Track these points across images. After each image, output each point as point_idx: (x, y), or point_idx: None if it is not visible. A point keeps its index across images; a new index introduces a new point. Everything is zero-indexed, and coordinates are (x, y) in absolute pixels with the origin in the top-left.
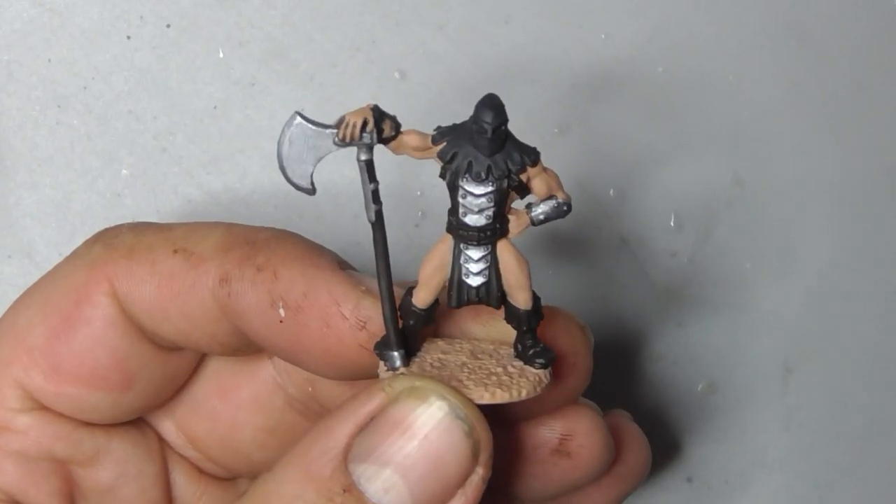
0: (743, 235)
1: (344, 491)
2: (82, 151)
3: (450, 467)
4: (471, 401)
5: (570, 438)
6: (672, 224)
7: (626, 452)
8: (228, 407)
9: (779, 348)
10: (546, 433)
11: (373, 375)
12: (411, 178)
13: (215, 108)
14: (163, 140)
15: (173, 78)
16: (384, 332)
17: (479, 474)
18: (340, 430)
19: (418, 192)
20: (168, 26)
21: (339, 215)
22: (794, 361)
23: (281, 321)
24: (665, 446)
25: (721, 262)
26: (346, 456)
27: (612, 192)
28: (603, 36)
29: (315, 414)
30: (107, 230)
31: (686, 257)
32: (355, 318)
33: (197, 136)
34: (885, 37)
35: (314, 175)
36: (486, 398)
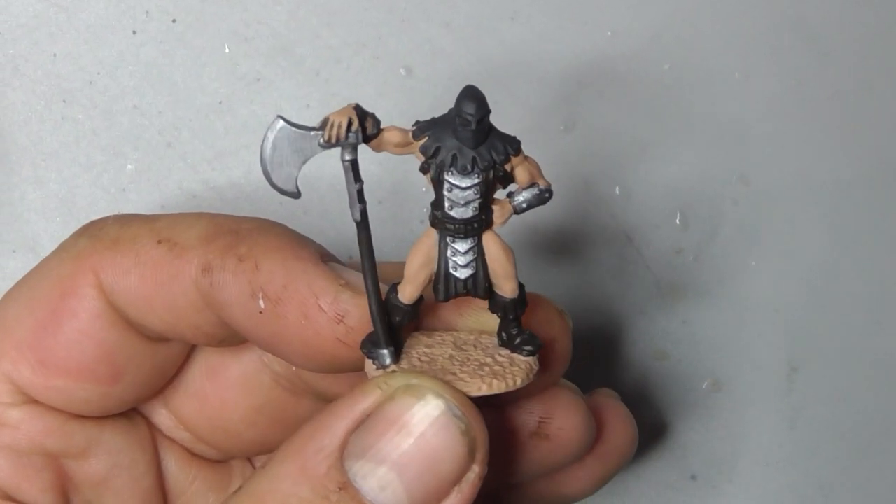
0: (748, 234)
1: (339, 489)
2: (87, 146)
3: (446, 465)
4: (467, 398)
5: (548, 421)
6: (677, 222)
7: (609, 431)
8: (216, 387)
9: (784, 347)
10: (524, 416)
11: (351, 369)
12: (415, 174)
13: (221, 103)
14: (168, 135)
15: (179, 73)
16: (369, 330)
17: (476, 472)
18: (336, 428)
19: (423, 188)
20: (174, 21)
21: (344, 211)
22: (798, 360)
23: (261, 312)
24: (669, 444)
25: (726, 260)
26: (342, 453)
27: (617, 189)
28: (609, 33)
29: (302, 391)
30: (93, 222)
31: (691, 255)
32: (334, 311)
33: (202, 131)
34: (892, 35)
35: (298, 178)
36: (483, 389)
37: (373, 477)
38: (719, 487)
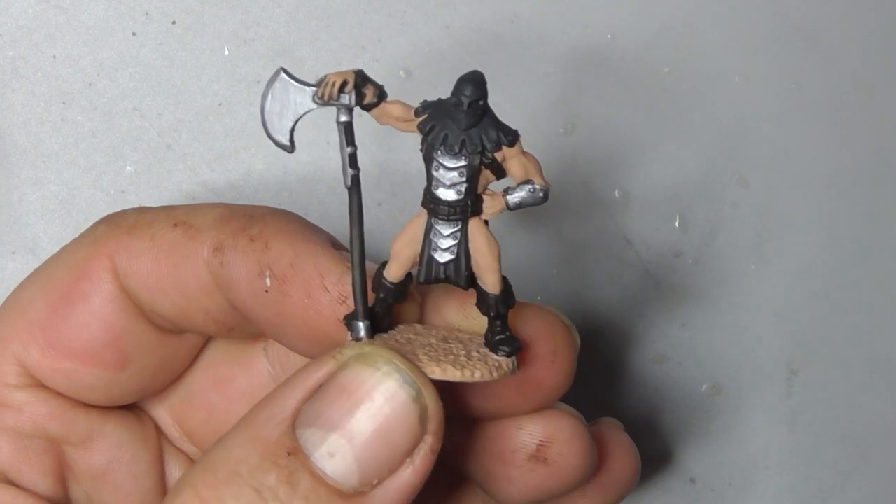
0: (748, 236)
1: (289, 454)
2: (87, 148)
3: (397, 433)
4: (421, 370)
5: (548, 445)
6: (677, 225)
7: (611, 461)
8: (223, 399)
9: (783, 350)
10: (524, 437)
11: None
12: (414, 177)
13: (220, 105)
14: (167, 137)
15: (178, 75)
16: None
17: (428, 443)
18: (289, 397)
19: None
20: (173, 23)
21: (343, 214)
22: (798, 363)
23: (266, 291)
24: (668, 447)
25: (726, 263)
26: (294, 421)
27: (616, 192)
28: (609, 36)
29: None
30: (113, 213)
31: (691, 258)
32: (337, 291)
33: (201, 133)
34: (892, 38)
35: (294, 132)
36: (436, 373)
37: (323, 443)
38: (718, 491)
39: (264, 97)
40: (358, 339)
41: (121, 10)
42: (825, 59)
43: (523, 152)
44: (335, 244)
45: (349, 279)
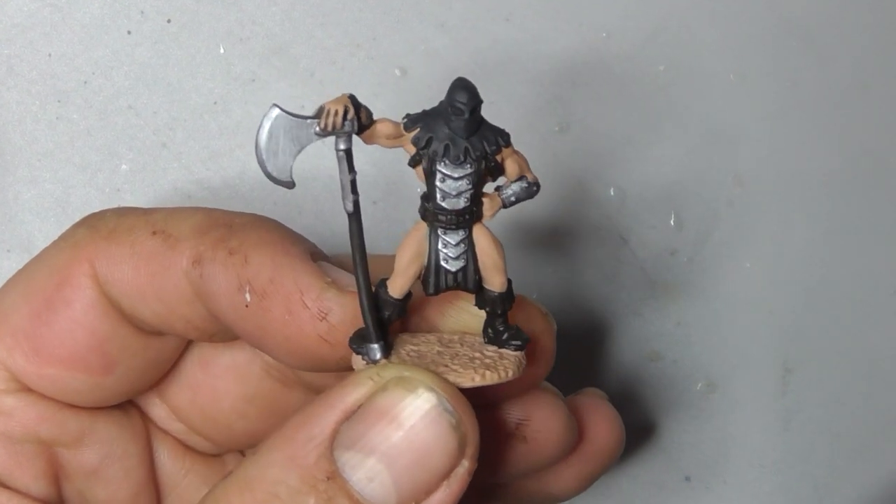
0: (743, 235)
1: (328, 478)
2: (82, 146)
3: (435, 459)
4: (459, 392)
5: (526, 423)
6: (672, 223)
7: (594, 431)
8: (208, 375)
9: (778, 348)
10: (503, 416)
11: (333, 368)
12: (410, 175)
13: (215, 103)
14: (162, 135)
15: (173, 73)
16: (352, 329)
17: (465, 467)
18: (327, 417)
19: (418, 189)
20: (168, 21)
21: (338, 212)
22: (793, 362)
23: (247, 306)
24: (663, 445)
25: (721, 261)
26: (332, 443)
27: (612, 191)
28: (604, 34)
29: (292, 383)
30: (92, 214)
31: (686, 256)
32: (317, 308)
33: (197, 131)
34: (888, 36)
35: (293, 168)
36: (477, 380)
37: (361, 468)
38: (713, 489)
39: (259, 136)
40: (374, 362)
41: (116, 9)
42: (820, 57)
43: (514, 150)
44: (315, 254)
45: (328, 294)
